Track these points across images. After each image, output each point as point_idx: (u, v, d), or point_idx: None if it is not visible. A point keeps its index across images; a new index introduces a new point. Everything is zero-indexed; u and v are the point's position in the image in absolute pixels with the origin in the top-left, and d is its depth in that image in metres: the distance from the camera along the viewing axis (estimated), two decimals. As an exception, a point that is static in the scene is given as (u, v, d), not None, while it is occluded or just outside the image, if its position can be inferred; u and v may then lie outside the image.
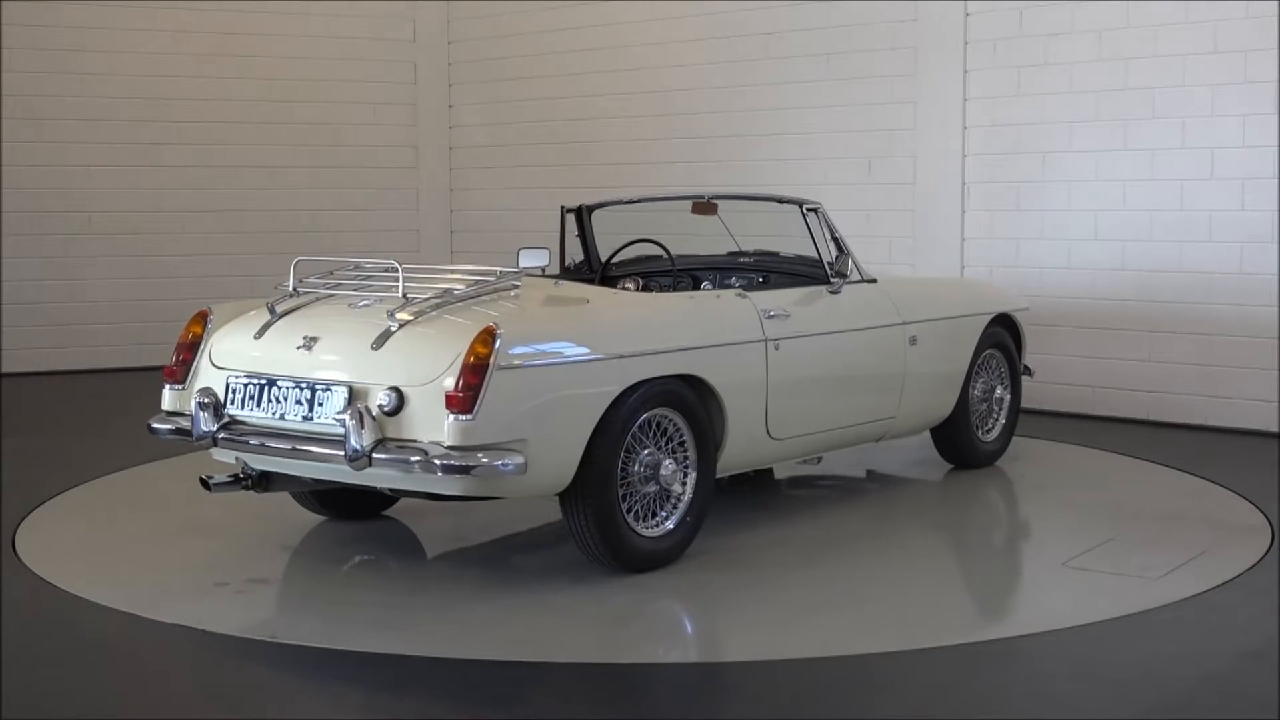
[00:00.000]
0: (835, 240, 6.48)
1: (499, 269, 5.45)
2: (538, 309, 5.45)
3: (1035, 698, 4.29)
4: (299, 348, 5.22)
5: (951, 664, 4.54)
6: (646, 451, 5.35)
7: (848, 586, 5.37)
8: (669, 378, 5.41)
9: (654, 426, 5.41)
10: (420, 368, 4.94)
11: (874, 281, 6.65)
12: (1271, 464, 7.43)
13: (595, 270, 7.01)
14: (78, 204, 11.22)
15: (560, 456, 5.06)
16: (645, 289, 6.43)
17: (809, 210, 6.42)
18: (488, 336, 4.85)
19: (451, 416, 4.80)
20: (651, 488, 5.38)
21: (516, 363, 4.90)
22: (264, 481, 5.47)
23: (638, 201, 7.05)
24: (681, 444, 5.51)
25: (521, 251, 6.51)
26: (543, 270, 6.58)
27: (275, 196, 11.75)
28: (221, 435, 5.27)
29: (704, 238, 7.16)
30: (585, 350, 5.15)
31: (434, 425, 4.84)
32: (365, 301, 5.36)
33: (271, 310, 5.47)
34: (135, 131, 11.34)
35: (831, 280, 6.36)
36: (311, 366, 5.16)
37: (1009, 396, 7.46)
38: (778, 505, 6.76)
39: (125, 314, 11.09)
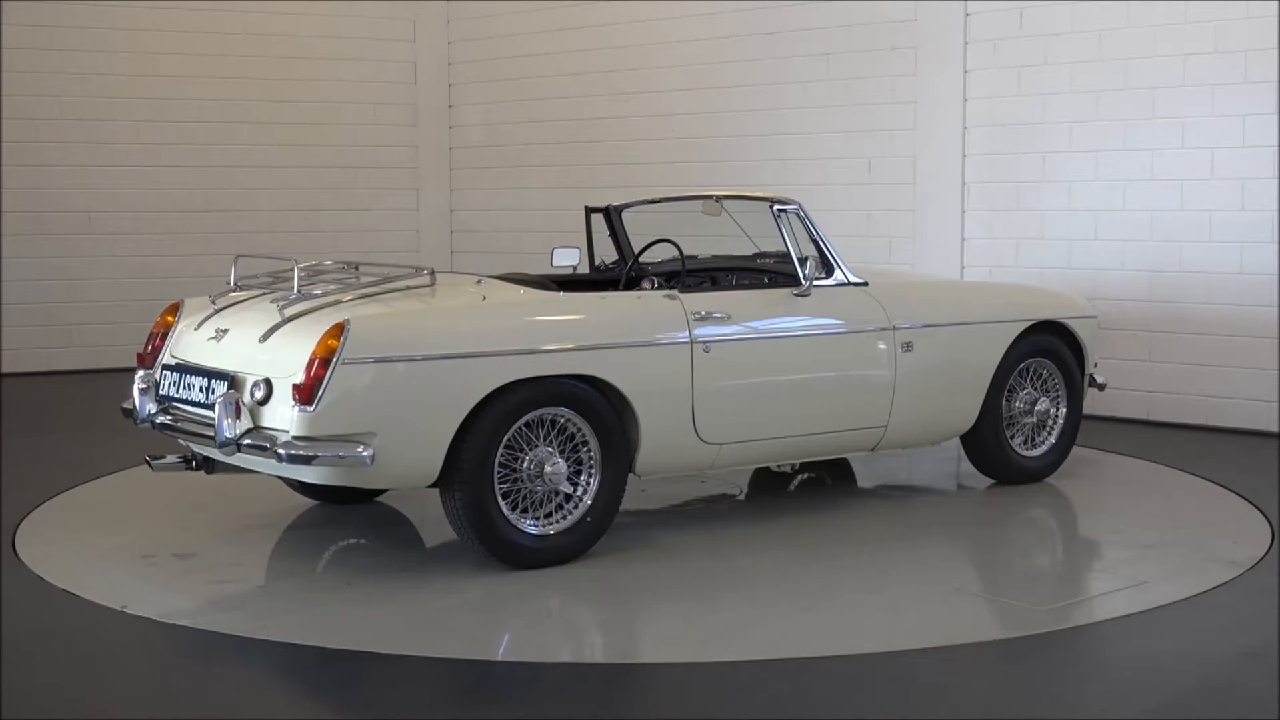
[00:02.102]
0: (815, 241, 6.31)
1: (417, 267, 5.73)
2: (414, 306, 5.51)
3: (1035, 698, 4.29)
4: (210, 339, 5.60)
5: (951, 662, 4.54)
6: (536, 450, 5.38)
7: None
8: (562, 377, 5.43)
9: (550, 425, 5.44)
10: (286, 360, 5.17)
11: (864, 284, 6.43)
12: (1271, 464, 7.43)
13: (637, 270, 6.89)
14: (78, 204, 11.22)
15: (420, 451, 5.18)
16: (660, 289, 6.42)
17: (779, 210, 6.27)
18: (337, 331, 5.03)
19: (296, 407, 5.01)
20: (540, 486, 5.42)
21: (366, 358, 5.04)
22: (209, 464, 5.65)
23: (661, 201, 6.93)
24: (585, 444, 5.52)
25: (555, 250, 6.82)
26: (574, 269, 6.78)
27: (275, 196, 11.75)
28: (158, 419, 5.61)
29: (736, 239, 7.03)
30: (447, 349, 5.23)
31: (288, 415, 5.07)
32: (284, 298, 5.53)
33: (213, 304, 5.85)
34: (135, 131, 11.34)
35: (802, 282, 6.15)
36: (215, 357, 5.51)
37: (1063, 410, 7.01)
38: (762, 508, 6.77)
39: (125, 314, 11.07)
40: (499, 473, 5.32)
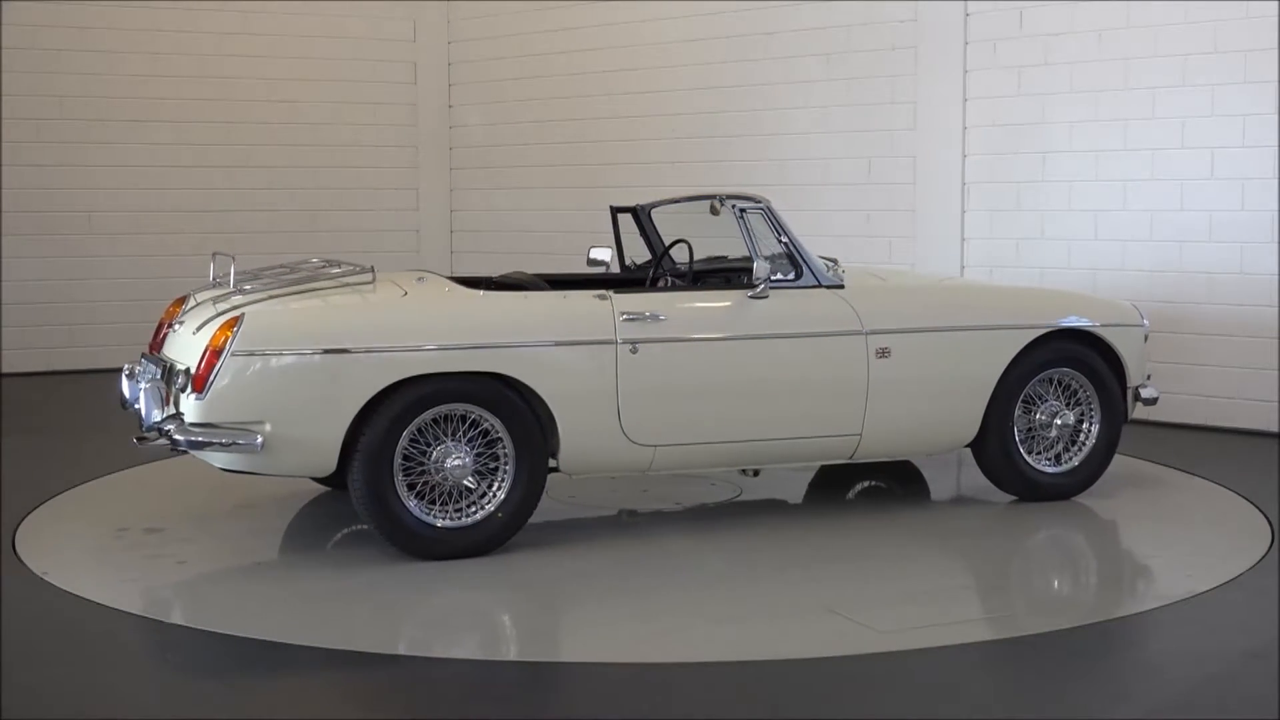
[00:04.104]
0: (783, 242, 6.16)
1: (359, 265, 5.96)
2: (330, 302, 5.69)
3: (1035, 698, 4.29)
4: (169, 330, 5.90)
5: (952, 662, 4.54)
6: (444, 445, 5.51)
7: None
8: (471, 375, 5.54)
9: (461, 420, 5.55)
10: (201, 351, 5.43)
11: (839, 287, 6.23)
12: (1271, 464, 7.43)
13: (664, 269, 6.83)
14: (78, 204, 11.22)
15: (313, 441, 5.40)
16: (676, 288, 6.40)
17: (741, 211, 6.17)
18: (231, 324, 5.36)
19: (192, 395, 5.35)
20: (445, 480, 5.53)
21: (257, 350, 5.33)
22: None
23: (682, 201, 6.81)
24: (500, 440, 5.61)
25: (591, 250, 6.99)
26: (606, 267, 6.87)
27: (275, 196, 11.75)
28: (136, 405, 5.83)
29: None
30: (338, 343, 5.43)
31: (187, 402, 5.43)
32: (226, 293, 5.76)
33: (195, 300, 6.03)
34: (135, 131, 11.34)
35: (755, 283, 5.98)
36: (169, 348, 5.79)
37: (1095, 425, 6.59)
38: (759, 511, 6.77)
39: (125, 314, 11.06)
40: (405, 465, 5.48)
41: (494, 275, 6.54)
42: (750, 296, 6.02)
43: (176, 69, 11.42)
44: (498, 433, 5.60)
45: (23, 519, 6.25)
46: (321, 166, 11.91)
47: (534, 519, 6.13)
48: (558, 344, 5.69)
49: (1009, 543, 6.21)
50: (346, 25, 11.96)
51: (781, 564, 5.65)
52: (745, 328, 6.00)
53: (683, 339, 5.87)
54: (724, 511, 6.58)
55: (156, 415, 5.50)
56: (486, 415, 5.57)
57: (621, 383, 5.74)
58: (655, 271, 6.75)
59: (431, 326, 5.59)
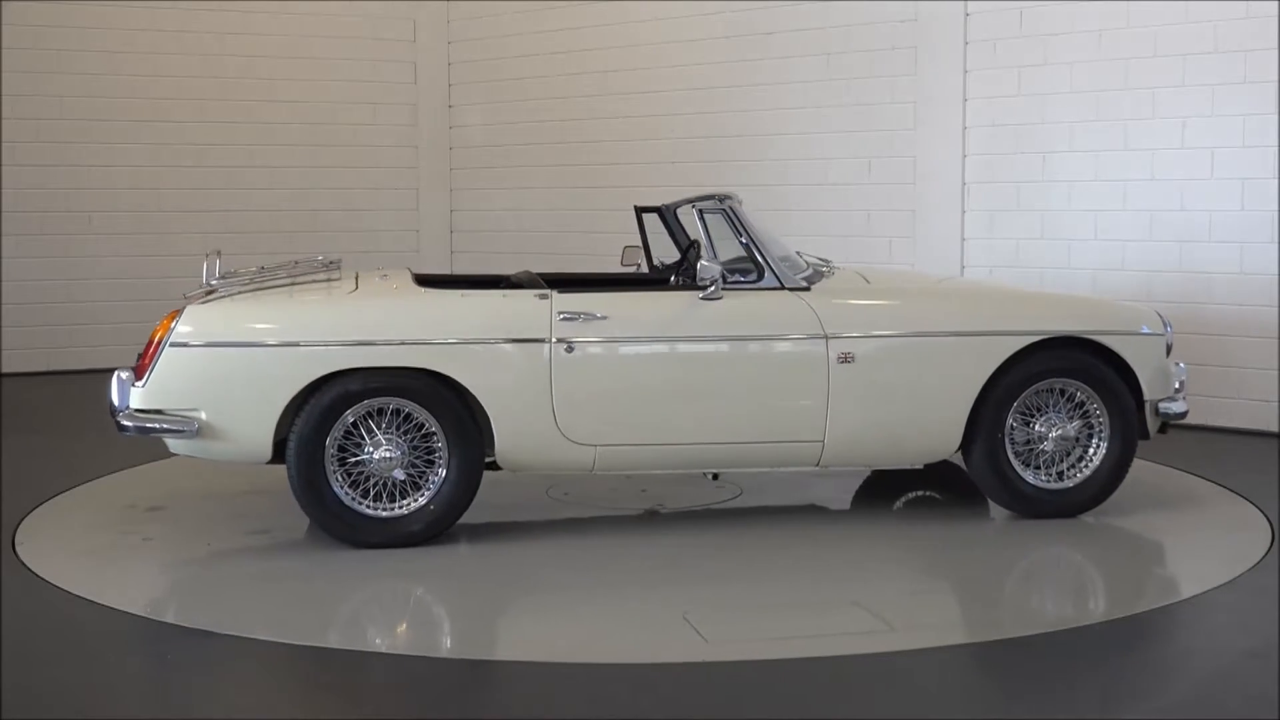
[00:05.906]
0: (745, 243, 6.08)
1: (324, 261, 6.28)
2: (265, 298, 5.93)
3: (1036, 698, 4.29)
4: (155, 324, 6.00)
5: (951, 661, 4.54)
6: (375, 438, 5.69)
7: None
8: (402, 370, 5.69)
9: (395, 414, 5.72)
10: (146, 343, 5.72)
11: (804, 289, 6.07)
12: (1271, 464, 7.43)
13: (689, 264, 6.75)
14: (78, 204, 11.22)
15: (244, 430, 5.66)
16: (686, 287, 6.40)
17: (701, 211, 6.16)
18: (171, 317, 5.67)
19: (135, 383, 5.66)
20: (377, 472, 5.72)
21: (193, 342, 5.63)
22: None
23: (695, 200, 6.62)
24: (435, 434, 5.74)
25: (626, 249, 7.19)
26: (637, 266, 7.00)
27: (275, 196, 11.76)
28: None
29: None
30: (271, 338, 5.67)
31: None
32: (198, 290, 5.97)
33: (185, 298, 6.10)
34: (135, 131, 11.34)
35: (700, 283, 5.89)
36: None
37: (1104, 439, 6.22)
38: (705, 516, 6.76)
39: (125, 314, 11.07)
40: (340, 455, 5.70)
41: (510, 275, 6.62)
42: (702, 298, 5.93)
43: (176, 69, 11.42)
44: (432, 427, 5.73)
45: (23, 519, 6.25)
46: (321, 166, 11.91)
47: (526, 516, 6.14)
48: (489, 341, 5.78)
49: (1010, 546, 6.17)
50: (346, 25, 11.96)
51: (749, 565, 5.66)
52: (688, 329, 5.94)
53: (619, 339, 5.88)
54: (722, 513, 6.59)
55: (120, 402, 5.72)
56: (420, 410, 5.72)
57: (556, 382, 5.78)
58: (679, 271, 6.73)
59: (362, 323, 5.76)
